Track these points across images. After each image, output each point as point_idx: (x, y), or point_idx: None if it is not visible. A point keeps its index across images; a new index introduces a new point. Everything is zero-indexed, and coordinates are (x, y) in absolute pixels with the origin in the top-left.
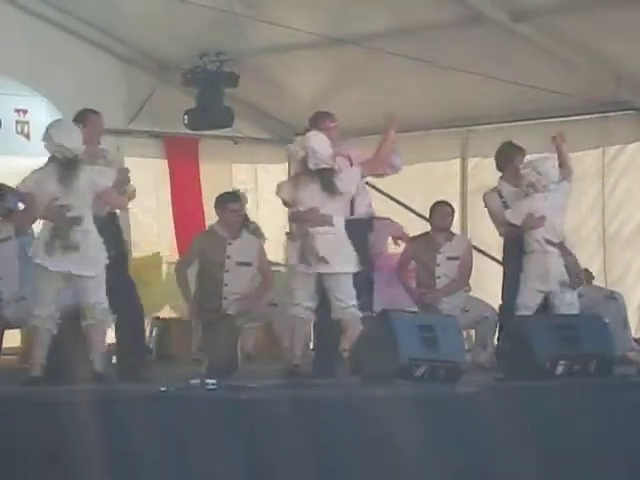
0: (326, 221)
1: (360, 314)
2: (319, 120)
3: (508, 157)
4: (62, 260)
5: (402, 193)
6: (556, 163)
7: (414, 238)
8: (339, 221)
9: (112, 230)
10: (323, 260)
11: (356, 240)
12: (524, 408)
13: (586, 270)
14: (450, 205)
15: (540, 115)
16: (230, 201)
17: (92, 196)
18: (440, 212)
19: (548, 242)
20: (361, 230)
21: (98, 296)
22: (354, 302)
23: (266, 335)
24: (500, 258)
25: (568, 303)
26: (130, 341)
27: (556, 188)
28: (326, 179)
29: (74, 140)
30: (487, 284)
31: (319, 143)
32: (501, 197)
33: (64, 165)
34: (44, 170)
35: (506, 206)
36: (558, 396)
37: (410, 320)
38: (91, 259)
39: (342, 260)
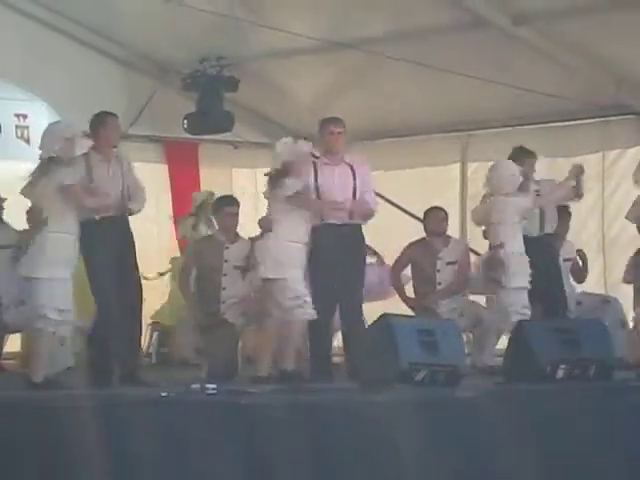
0: (267, 225)
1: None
2: (322, 126)
3: (518, 161)
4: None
5: (401, 197)
6: (509, 169)
7: (411, 244)
8: (279, 226)
9: (115, 233)
10: (258, 265)
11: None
12: (524, 412)
13: (579, 250)
14: (444, 210)
15: (541, 119)
16: (226, 204)
17: (58, 197)
18: (434, 217)
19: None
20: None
21: (48, 301)
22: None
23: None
24: None
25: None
26: (127, 345)
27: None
28: (268, 185)
29: (48, 143)
30: None
31: (275, 150)
32: None
33: (37, 169)
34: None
35: None
36: (558, 400)
37: (410, 324)
38: (46, 261)
39: (268, 266)
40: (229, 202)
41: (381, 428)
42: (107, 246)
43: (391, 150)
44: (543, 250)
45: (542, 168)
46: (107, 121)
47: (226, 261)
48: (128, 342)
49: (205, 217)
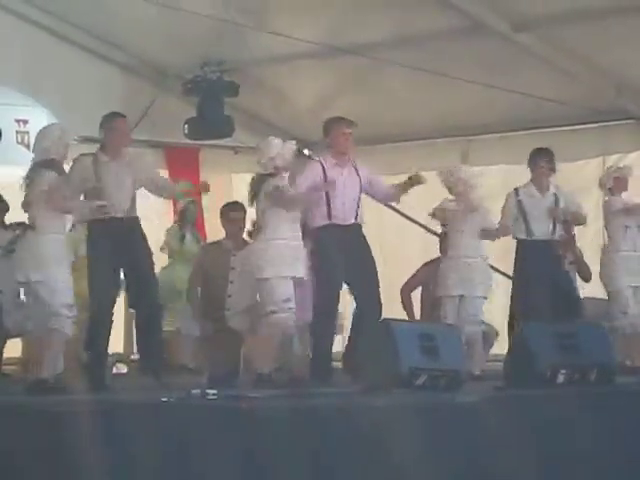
0: (258, 227)
1: (284, 320)
2: (333, 126)
3: (533, 160)
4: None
5: (402, 202)
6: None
7: (425, 265)
8: (268, 227)
9: (119, 234)
10: (249, 266)
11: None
12: (524, 417)
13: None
14: None
15: (541, 124)
16: (231, 210)
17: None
18: None
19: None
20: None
21: (55, 300)
22: (273, 307)
23: None
24: (499, 266)
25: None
26: (148, 346)
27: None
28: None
29: (39, 146)
30: (491, 295)
31: (263, 150)
32: (517, 195)
33: (28, 172)
34: None
35: (520, 206)
36: (559, 405)
37: (411, 329)
38: (38, 263)
39: (260, 266)
40: (234, 208)
41: (381, 433)
42: (108, 247)
43: (391, 155)
44: (534, 255)
45: None
46: (114, 121)
47: (233, 268)
48: (150, 347)
49: (190, 226)
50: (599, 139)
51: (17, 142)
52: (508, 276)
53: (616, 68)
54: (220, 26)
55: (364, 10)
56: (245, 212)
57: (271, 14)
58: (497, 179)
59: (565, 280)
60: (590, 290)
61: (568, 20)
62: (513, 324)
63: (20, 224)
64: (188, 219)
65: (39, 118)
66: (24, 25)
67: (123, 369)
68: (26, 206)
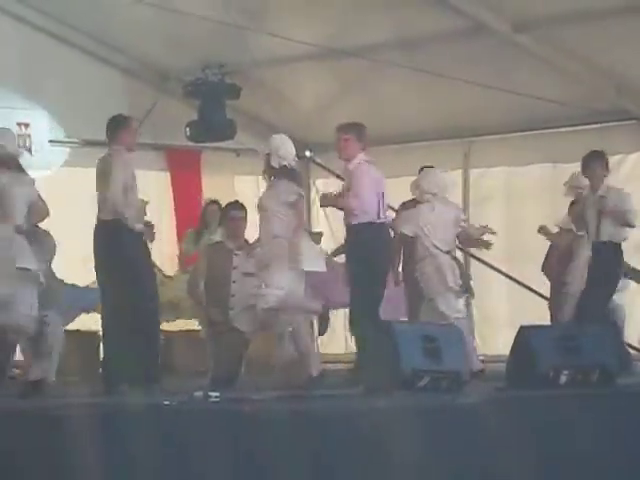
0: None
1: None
2: (365, 131)
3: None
4: None
5: (395, 202)
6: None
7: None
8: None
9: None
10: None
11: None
12: (526, 418)
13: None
14: None
15: (542, 125)
16: (232, 209)
17: None
18: None
19: (437, 248)
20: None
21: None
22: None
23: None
24: (502, 267)
25: (456, 309)
26: (145, 352)
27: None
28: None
29: None
30: (491, 294)
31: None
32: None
33: None
34: None
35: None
36: (560, 406)
37: (413, 331)
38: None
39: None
40: (234, 207)
41: (383, 435)
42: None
43: (392, 157)
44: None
45: (545, 174)
46: (130, 124)
47: (235, 268)
48: (145, 353)
49: (212, 228)
50: (600, 140)
51: (18, 145)
52: (509, 277)
53: (616, 68)
54: (221, 29)
55: (364, 12)
56: (246, 211)
57: (272, 16)
58: (498, 180)
59: None
60: None
61: (568, 20)
62: None
63: None
64: (208, 220)
65: (40, 121)
66: (25, 28)
67: None
68: None
